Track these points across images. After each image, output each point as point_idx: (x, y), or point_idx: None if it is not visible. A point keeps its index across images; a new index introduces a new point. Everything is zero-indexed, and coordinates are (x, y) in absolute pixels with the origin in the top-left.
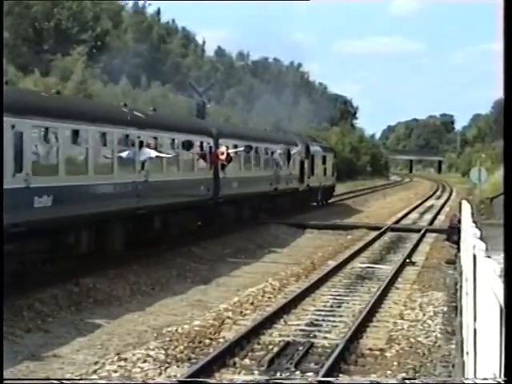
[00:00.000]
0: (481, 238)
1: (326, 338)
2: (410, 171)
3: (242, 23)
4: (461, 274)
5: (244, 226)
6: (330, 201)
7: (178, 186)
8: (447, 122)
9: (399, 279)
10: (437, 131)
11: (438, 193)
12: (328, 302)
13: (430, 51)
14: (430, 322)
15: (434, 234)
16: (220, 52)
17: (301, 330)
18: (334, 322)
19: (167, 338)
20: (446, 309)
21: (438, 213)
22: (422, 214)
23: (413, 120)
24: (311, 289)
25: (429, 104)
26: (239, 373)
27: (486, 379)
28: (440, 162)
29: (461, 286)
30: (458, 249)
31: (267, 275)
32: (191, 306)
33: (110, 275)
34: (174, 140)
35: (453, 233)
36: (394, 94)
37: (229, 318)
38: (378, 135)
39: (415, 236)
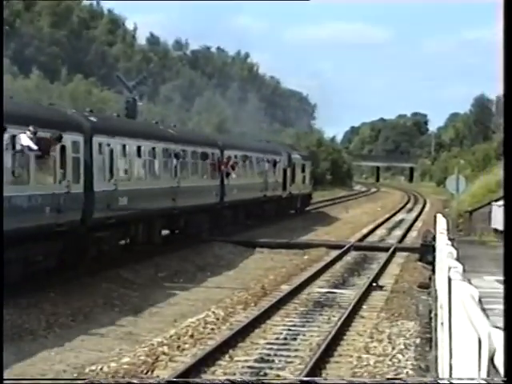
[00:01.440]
0: (458, 259)
1: (278, 376)
2: (377, 180)
3: (179, 7)
4: (436, 301)
5: (181, 244)
6: (307, 208)
7: (199, 191)
8: (419, 122)
9: (364, 306)
10: (407, 133)
11: (410, 205)
12: (281, 333)
13: (398, 39)
14: (400, 356)
15: (405, 254)
16: (153, 40)
17: (249, 367)
18: (288, 357)
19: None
20: (418, 341)
21: (409, 228)
22: (391, 229)
23: (380, 120)
24: (261, 318)
25: (398, 101)
26: None
27: (486, 379)
28: (412, 170)
29: (436, 315)
30: (433, 270)
31: (209, 303)
32: (119, 339)
33: (22, 304)
34: (194, 152)
35: (426, 252)
36: (357, 90)
37: (164, 353)
38: (339, 138)
39: (383, 256)
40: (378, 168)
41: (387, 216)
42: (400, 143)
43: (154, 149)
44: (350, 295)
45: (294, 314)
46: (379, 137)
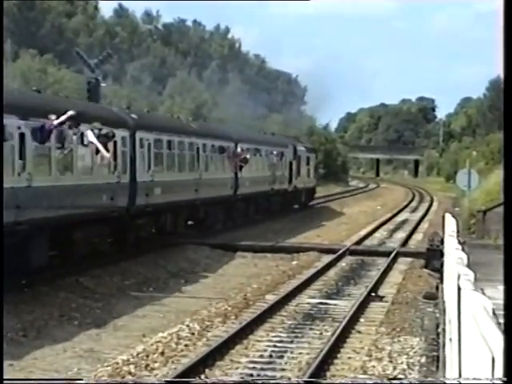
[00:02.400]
0: (469, 265)
1: None
2: (377, 174)
3: None
4: (444, 314)
5: (151, 247)
6: (310, 203)
7: (218, 183)
8: (426, 108)
9: (361, 320)
10: (412, 121)
11: (414, 203)
12: (266, 350)
13: (403, 13)
14: (402, 377)
15: (409, 259)
16: (120, 12)
17: None
18: (273, 377)
19: None
20: (423, 360)
21: (413, 231)
22: (393, 231)
23: (380, 106)
24: (243, 333)
25: (401, 84)
26: None
27: (486, 379)
28: (416, 163)
29: (443, 330)
30: (441, 279)
31: (183, 315)
32: (78, 357)
33: None
34: (213, 145)
35: (433, 257)
36: (354, 71)
37: (130, 373)
38: (333, 126)
39: (383, 261)
40: (377, 161)
41: (388, 216)
42: (403, 132)
43: (181, 143)
44: (345, 307)
45: (280, 328)
46: (379, 125)
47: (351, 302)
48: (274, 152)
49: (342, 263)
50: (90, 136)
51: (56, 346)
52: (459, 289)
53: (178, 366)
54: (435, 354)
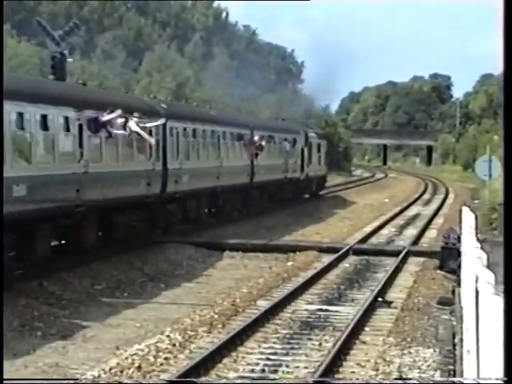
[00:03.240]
0: (489, 266)
1: None
2: (384, 163)
3: None
4: (461, 321)
5: (124, 246)
6: (321, 192)
7: (236, 171)
8: (441, 86)
9: (367, 329)
10: (425, 101)
11: (427, 195)
12: (258, 364)
13: None
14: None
15: (421, 259)
16: None
17: None
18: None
19: None
20: (438, 374)
21: (426, 226)
22: (402, 227)
23: (388, 84)
24: (231, 344)
25: (413, 59)
26: None
27: (486, 379)
28: (430, 149)
29: (461, 340)
30: (458, 282)
31: (163, 324)
32: (42, 373)
33: None
34: (232, 133)
35: (449, 257)
36: (358, 44)
37: None
38: (334, 107)
39: (391, 262)
40: (385, 147)
41: (397, 210)
42: (414, 114)
43: (204, 131)
44: (348, 314)
45: (274, 339)
46: (387, 106)
47: (355, 309)
48: (288, 139)
49: (345, 264)
50: (133, 126)
51: (16, 360)
52: (477, 292)
53: (158, 382)
54: (451, 367)
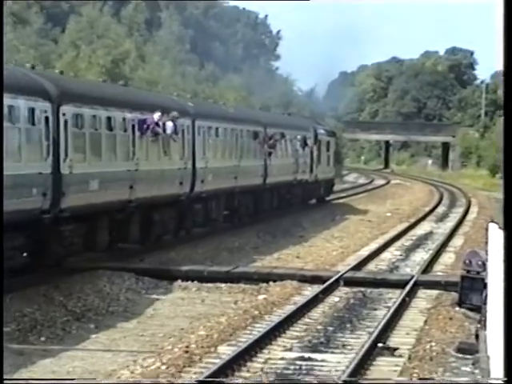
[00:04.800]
0: None
1: None
2: (386, 165)
3: None
4: (488, 375)
5: (40, 274)
6: (328, 198)
7: (251, 171)
8: (461, 65)
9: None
10: (440, 84)
11: (442, 208)
12: None
13: None
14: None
15: (434, 292)
16: None
17: None
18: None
19: None
20: None
21: (440, 249)
22: (410, 250)
23: (392, 61)
24: None
25: (424, 29)
26: None
27: (486, 379)
28: (446, 147)
29: None
30: (483, 322)
31: (93, 377)
32: None
33: None
34: (248, 130)
35: (471, 289)
36: (352, 9)
37: None
38: (320, 92)
39: (395, 295)
40: (387, 145)
41: (403, 227)
42: (426, 101)
43: (225, 129)
44: (338, 364)
45: None
46: (390, 90)
47: (348, 357)
48: (298, 137)
49: (334, 298)
50: (171, 126)
51: None
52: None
53: None
54: None
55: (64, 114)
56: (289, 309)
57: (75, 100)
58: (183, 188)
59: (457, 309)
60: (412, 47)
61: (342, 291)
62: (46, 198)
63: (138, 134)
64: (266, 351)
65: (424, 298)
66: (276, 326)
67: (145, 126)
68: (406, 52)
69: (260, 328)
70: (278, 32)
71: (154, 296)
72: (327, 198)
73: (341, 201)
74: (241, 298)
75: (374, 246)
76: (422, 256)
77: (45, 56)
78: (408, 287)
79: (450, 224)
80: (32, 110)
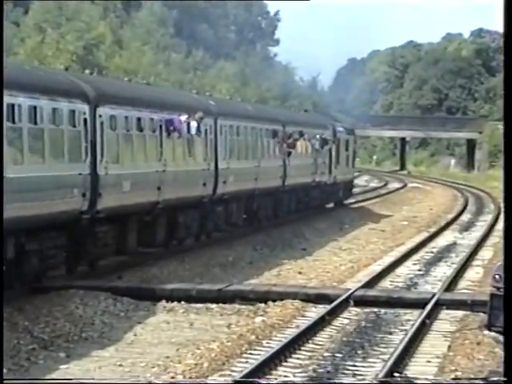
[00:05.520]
0: None
1: None
2: (402, 166)
3: None
4: None
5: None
6: (347, 201)
7: (271, 172)
8: (488, 49)
9: None
10: (464, 71)
11: (467, 215)
12: None
13: None
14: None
15: (459, 313)
16: None
17: None
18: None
19: None
20: None
21: (466, 263)
22: (430, 264)
23: (408, 46)
24: None
25: (445, 10)
26: None
27: (487, 379)
28: (472, 145)
29: None
30: None
31: None
32: None
33: None
34: (267, 129)
35: (501, 309)
36: None
37: None
38: (325, 82)
39: (413, 317)
40: (403, 142)
41: (422, 237)
42: (448, 92)
43: (245, 128)
44: None
45: None
46: (406, 79)
47: None
48: (317, 136)
49: (343, 320)
50: (195, 126)
51: None
52: None
53: None
54: None
55: (100, 116)
56: (290, 333)
57: (110, 101)
58: (206, 190)
59: (485, 332)
60: (431, 29)
61: (352, 312)
62: (85, 198)
63: (164, 134)
64: (265, 382)
65: (447, 320)
66: (276, 353)
67: (171, 127)
68: (425, 35)
69: (257, 355)
70: (277, 13)
71: (135, 319)
72: (345, 202)
73: (349, 207)
74: (235, 320)
75: (388, 259)
76: (444, 271)
77: (4, 41)
78: (428, 307)
79: (476, 234)
80: (73, 112)
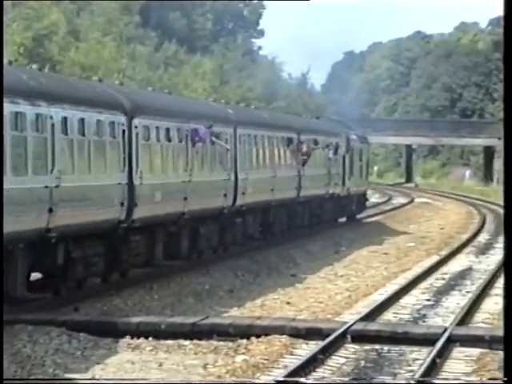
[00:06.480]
0: None
1: None
2: (409, 178)
3: None
4: None
5: None
6: (359, 216)
7: (286, 182)
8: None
9: None
10: (480, 67)
11: (485, 236)
12: None
13: None
14: None
15: (475, 351)
16: None
17: None
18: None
19: None
20: None
21: (483, 292)
22: (441, 294)
23: (414, 37)
24: None
25: None
26: None
27: (486, 379)
28: (490, 154)
29: None
30: None
31: None
32: None
33: None
34: (283, 137)
35: None
36: None
37: None
38: (318, 79)
39: (421, 356)
40: (409, 150)
41: (431, 262)
42: (462, 92)
43: (262, 136)
44: None
45: None
46: (412, 76)
47: None
48: (332, 143)
49: (339, 359)
50: (210, 135)
51: None
52: None
53: None
54: None
55: (136, 127)
56: (277, 374)
57: (144, 112)
58: (227, 201)
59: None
60: (443, 18)
61: (350, 350)
62: (123, 208)
63: (190, 144)
64: None
65: (461, 360)
66: None
67: (196, 137)
68: (435, 24)
69: None
70: (260, 1)
71: (93, 359)
72: (358, 216)
73: (346, 227)
74: (212, 359)
75: (392, 287)
76: (457, 301)
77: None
78: (439, 344)
79: (495, 258)
80: (113, 124)
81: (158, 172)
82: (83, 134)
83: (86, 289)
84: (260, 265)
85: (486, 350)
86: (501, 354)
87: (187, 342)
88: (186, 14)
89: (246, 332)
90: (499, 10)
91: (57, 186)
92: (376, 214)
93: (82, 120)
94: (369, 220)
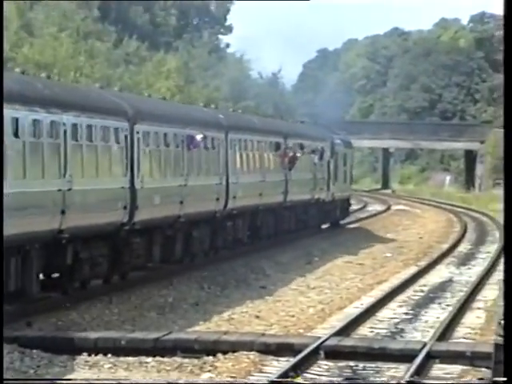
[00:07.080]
0: None
1: None
2: (385, 184)
3: None
4: None
5: None
6: (343, 222)
7: (274, 186)
8: (493, 38)
9: None
10: (462, 66)
11: (466, 245)
12: None
13: None
14: None
15: (456, 368)
16: None
17: None
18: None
19: None
20: None
21: (464, 305)
22: (420, 307)
23: (391, 34)
24: None
25: None
26: None
27: (486, 380)
28: (472, 158)
29: None
30: None
31: None
32: None
33: None
34: (271, 142)
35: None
36: None
37: None
38: (289, 78)
39: (399, 373)
40: (386, 154)
41: (409, 273)
42: (441, 92)
43: (252, 141)
44: None
45: None
46: (389, 76)
47: None
48: (316, 148)
49: (311, 376)
50: (203, 140)
51: None
52: None
53: None
54: None
55: (138, 132)
56: None
57: (145, 118)
58: (219, 204)
59: None
60: (421, 13)
61: (323, 367)
62: (126, 211)
63: (185, 149)
64: None
65: (442, 378)
66: None
67: (191, 142)
68: (413, 20)
69: None
70: None
71: (48, 377)
72: (341, 222)
73: (318, 235)
74: (175, 377)
75: (367, 300)
76: (437, 315)
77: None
78: (418, 360)
79: (477, 269)
80: (117, 130)
81: (157, 176)
82: (91, 140)
83: (39, 303)
84: (227, 276)
85: (468, 367)
86: (484, 370)
87: (149, 359)
88: (148, 8)
89: (212, 348)
90: (482, 5)
91: (69, 190)
92: (350, 223)
93: (89, 126)
94: (344, 229)
